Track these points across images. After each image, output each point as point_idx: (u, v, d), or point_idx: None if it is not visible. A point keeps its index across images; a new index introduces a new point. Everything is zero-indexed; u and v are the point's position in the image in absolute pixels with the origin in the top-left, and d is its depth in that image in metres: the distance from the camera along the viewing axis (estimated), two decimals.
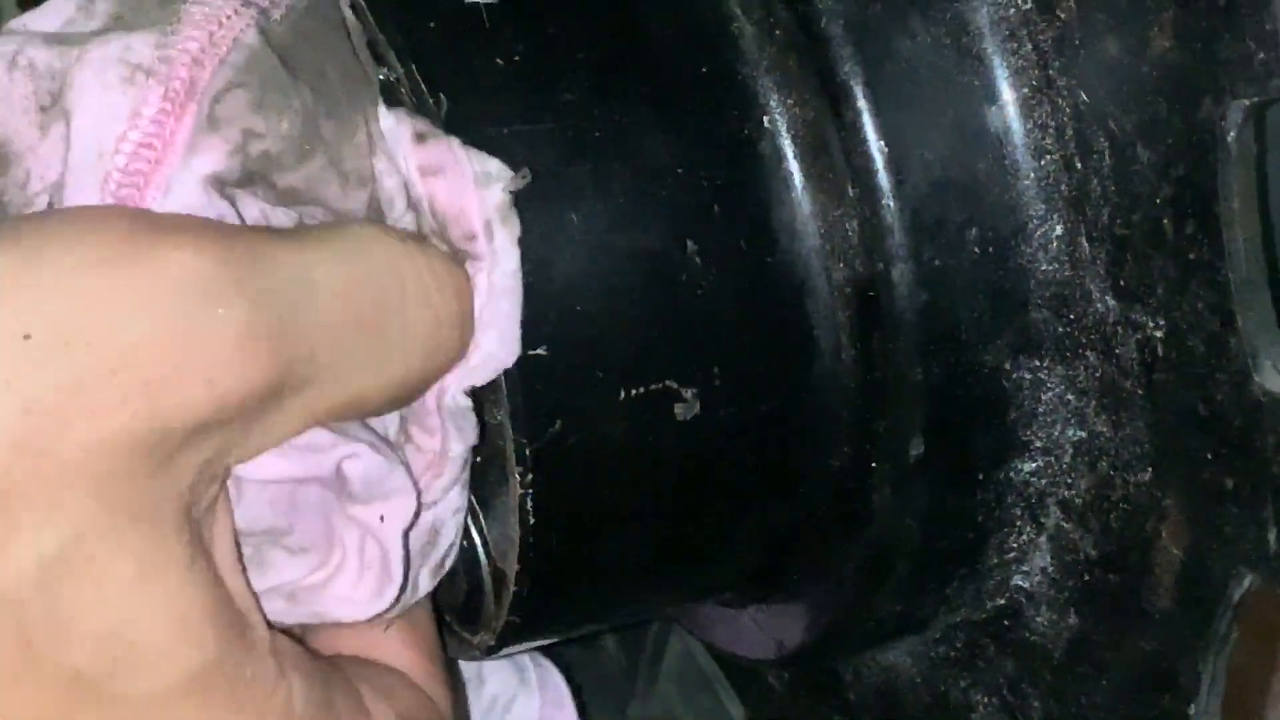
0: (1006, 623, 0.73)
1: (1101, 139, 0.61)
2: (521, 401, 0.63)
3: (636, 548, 0.69)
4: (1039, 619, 0.72)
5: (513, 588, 0.67)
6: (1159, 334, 0.61)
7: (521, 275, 0.62)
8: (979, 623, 0.75)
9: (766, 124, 0.65)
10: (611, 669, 1.16)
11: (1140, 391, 0.63)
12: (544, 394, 0.63)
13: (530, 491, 0.64)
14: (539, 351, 0.63)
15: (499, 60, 0.64)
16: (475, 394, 0.63)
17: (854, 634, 0.75)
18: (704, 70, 0.66)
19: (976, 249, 0.64)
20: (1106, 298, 0.63)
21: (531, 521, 0.65)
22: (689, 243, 0.64)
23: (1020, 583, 0.72)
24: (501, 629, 0.69)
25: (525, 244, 0.62)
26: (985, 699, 0.76)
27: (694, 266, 0.64)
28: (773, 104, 0.65)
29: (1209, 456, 0.61)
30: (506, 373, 0.63)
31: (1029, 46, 0.63)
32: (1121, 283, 0.62)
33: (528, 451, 0.63)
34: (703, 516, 0.69)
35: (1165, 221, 0.59)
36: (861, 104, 0.63)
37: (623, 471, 0.66)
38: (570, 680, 1.19)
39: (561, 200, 0.63)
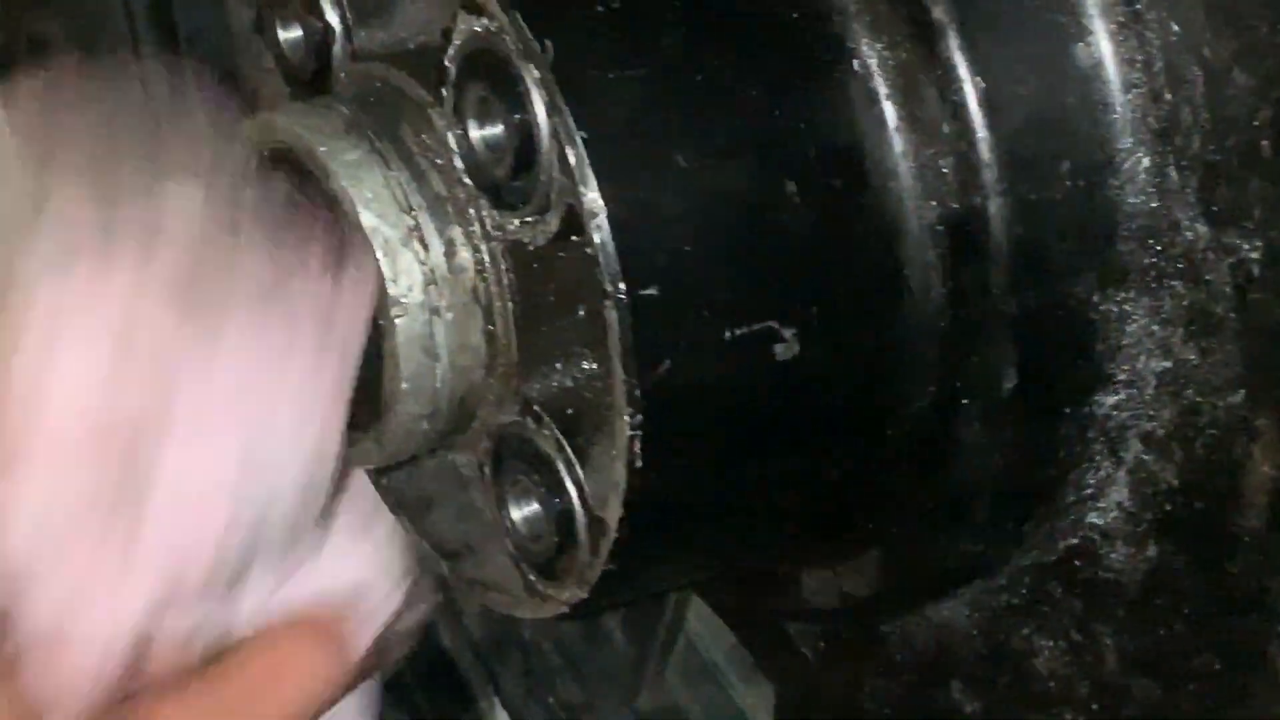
0: (1077, 562, 0.75)
1: (1194, 68, 0.63)
2: (632, 341, 0.64)
3: (732, 489, 0.70)
4: (1113, 555, 0.73)
5: (614, 534, 0.67)
6: (1255, 255, 0.63)
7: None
8: (1047, 565, 0.76)
9: (857, 67, 0.67)
10: (620, 662, 1.16)
11: (1232, 315, 0.65)
12: (653, 334, 0.64)
13: (638, 433, 0.65)
14: (650, 291, 0.64)
15: (598, 6, 0.65)
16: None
17: (927, 579, 0.77)
18: (794, 15, 0.67)
19: (1068, 183, 0.66)
20: (1196, 225, 0.65)
21: (638, 464, 0.65)
22: (787, 184, 0.65)
23: (1095, 520, 0.73)
24: (597, 580, 0.69)
25: (633, 185, 0.63)
26: (1051, 643, 0.78)
27: (793, 207, 0.66)
28: (864, 47, 0.67)
29: None
30: (617, 313, 0.63)
31: None
32: (1214, 208, 0.64)
33: (637, 392, 0.64)
34: (797, 457, 0.70)
35: (1264, 143, 0.61)
36: (955, 43, 0.65)
37: (724, 412, 0.67)
38: (578, 673, 1.19)
39: (666, 143, 0.64)
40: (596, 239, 0.63)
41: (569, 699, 1.20)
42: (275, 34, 0.78)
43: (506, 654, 1.20)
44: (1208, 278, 0.65)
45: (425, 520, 0.83)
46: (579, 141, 0.63)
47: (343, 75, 0.75)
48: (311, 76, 0.77)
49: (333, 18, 0.75)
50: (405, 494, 0.84)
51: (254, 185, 0.69)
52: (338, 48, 0.75)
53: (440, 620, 1.19)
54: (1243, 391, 0.66)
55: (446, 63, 0.68)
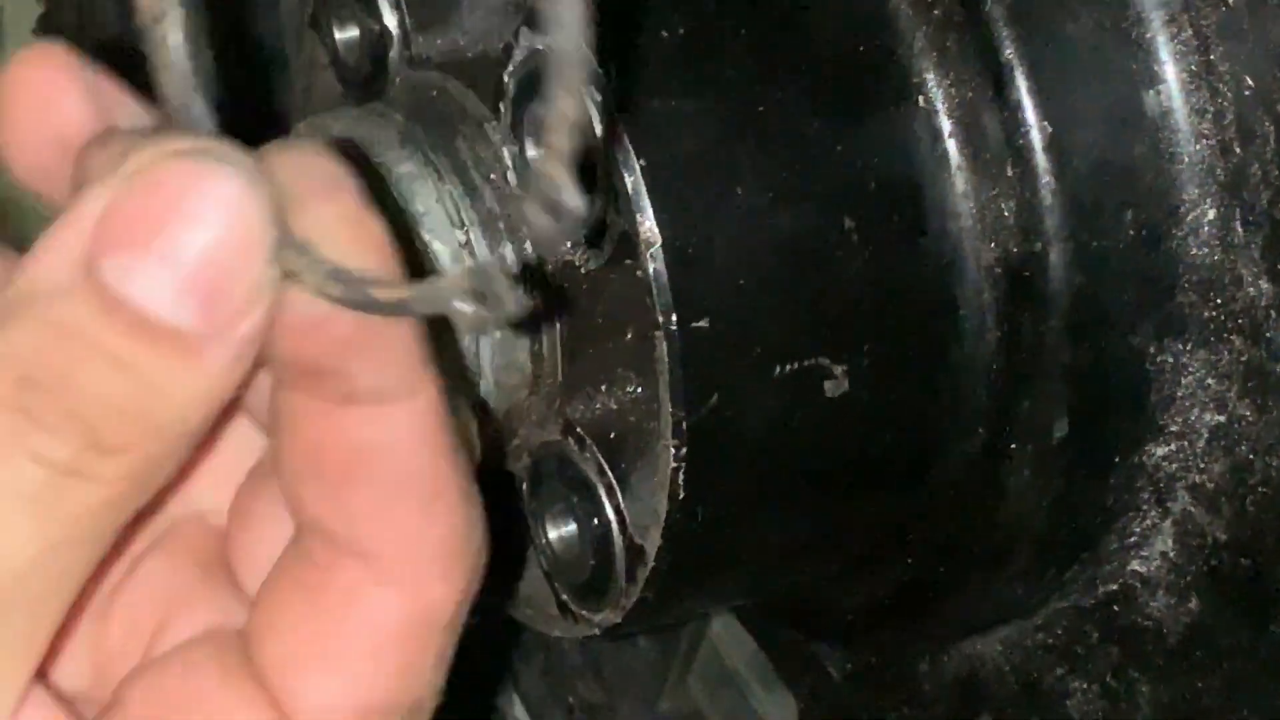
0: (1116, 608, 0.74)
1: (1266, 123, 0.62)
2: (681, 374, 0.63)
3: (775, 525, 0.69)
4: (1154, 604, 0.72)
5: (651, 563, 0.67)
6: None
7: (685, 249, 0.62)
8: (1085, 609, 0.75)
9: (922, 103, 0.66)
10: (642, 664, 1.15)
11: None
12: (703, 367, 0.63)
13: (683, 465, 0.64)
14: (701, 324, 0.63)
15: (664, 34, 0.64)
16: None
17: (963, 618, 0.76)
18: (860, 49, 0.66)
19: (1131, 232, 0.65)
20: (1260, 282, 0.64)
21: (681, 496, 0.64)
22: (846, 220, 0.64)
23: (1137, 567, 0.72)
24: (632, 607, 0.69)
25: (690, 216, 0.62)
26: (1084, 685, 0.77)
27: (850, 244, 0.65)
28: (929, 83, 0.66)
29: None
30: (667, 345, 0.62)
31: (1189, 31, 0.63)
32: (1278, 266, 0.63)
33: (684, 425, 0.63)
34: (841, 495, 0.69)
35: None
36: (1024, 85, 0.64)
37: (770, 447, 0.66)
38: (599, 673, 1.18)
39: (725, 176, 0.63)
40: (650, 269, 0.62)
41: (589, 699, 1.19)
42: (331, 33, 0.77)
43: (528, 651, 1.19)
44: (1268, 335, 0.64)
45: None
46: (637, 169, 0.62)
47: (398, 80, 0.74)
48: (366, 79, 0.76)
49: (390, 21, 0.74)
50: None
51: None
52: (394, 53, 0.74)
53: None
54: None
55: (506, 78, 0.67)
